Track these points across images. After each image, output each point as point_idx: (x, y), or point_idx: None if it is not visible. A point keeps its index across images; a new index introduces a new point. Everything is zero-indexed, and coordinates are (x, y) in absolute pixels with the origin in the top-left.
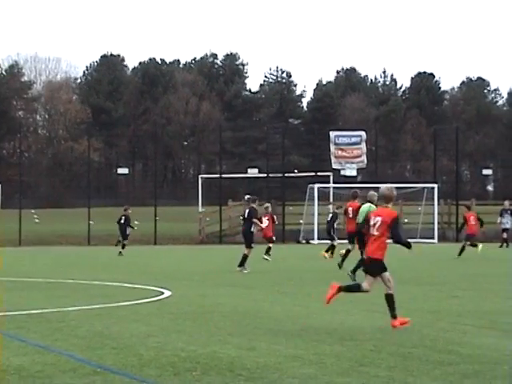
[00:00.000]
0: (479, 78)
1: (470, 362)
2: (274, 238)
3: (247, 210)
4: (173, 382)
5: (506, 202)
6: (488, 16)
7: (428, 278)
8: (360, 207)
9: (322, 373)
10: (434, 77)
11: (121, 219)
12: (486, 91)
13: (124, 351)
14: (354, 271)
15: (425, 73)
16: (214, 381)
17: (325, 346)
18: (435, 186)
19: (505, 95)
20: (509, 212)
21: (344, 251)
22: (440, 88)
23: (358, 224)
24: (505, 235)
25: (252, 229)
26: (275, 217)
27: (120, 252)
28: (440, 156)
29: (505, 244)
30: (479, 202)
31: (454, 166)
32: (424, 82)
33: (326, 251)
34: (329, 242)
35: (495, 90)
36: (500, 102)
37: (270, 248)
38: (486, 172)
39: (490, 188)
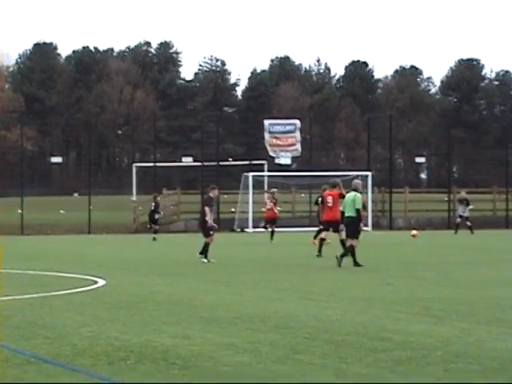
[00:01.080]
0: (412, 67)
1: (403, 349)
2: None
3: (204, 197)
4: (107, 372)
5: (462, 192)
6: (420, 4)
7: (360, 266)
8: (340, 196)
9: (257, 361)
10: (368, 65)
11: (151, 207)
12: (418, 79)
13: (57, 341)
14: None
15: (358, 61)
16: (148, 370)
17: (259, 333)
18: (369, 174)
19: (437, 83)
20: (464, 202)
21: (322, 238)
22: (373, 76)
23: (355, 211)
24: (468, 223)
25: (207, 218)
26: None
27: (154, 237)
28: (374, 144)
29: (467, 230)
30: (413, 190)
31: (387, 154)
32: (358, 70)
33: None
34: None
35: (428, 78)
36: (433, 91)
37: (272, 232)
38: (419, 160)
39: (423, 176)
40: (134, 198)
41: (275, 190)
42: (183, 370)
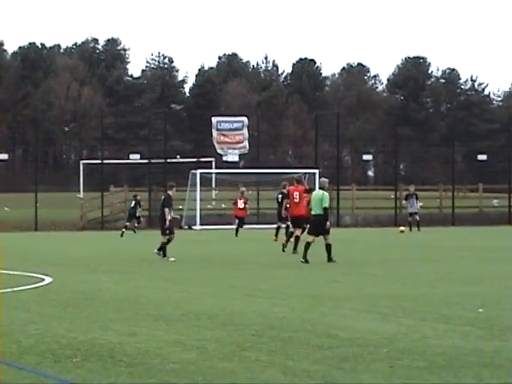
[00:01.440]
0: (359, 64)
1: (350, 346)
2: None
3: (162, 197)
4: (53, 369)
5: (411, 188)
6: (366, 2)
7: (307, 263)
8: (305, 191)
9: (203, 358)
10: (315, 63)
11: (132, 204)
12: (366, 77)
13: (3, 338)
14: (329, 258)
15: (306, 59)
16: (94, 367)
17: (206, 331)
18: (316, 171)
19: (384, 81)
20: (414, 196)
21: (297, 236)
22: (321, 74)
23: (323, 209)
24: (417, 217)
25: (166, 216)
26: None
27: (134, 231)
28: (321, 141)
29: (416, 228)
30: (360, 187)
31: (335, 152)
32: (305, 67)
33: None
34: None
35: (375, 76)
36: (380, 88)
37: (238, 229)
38: (366, 157)
39: (370, 173)
40: (80, 195)
41: (244, 189)
42: (130, 368)
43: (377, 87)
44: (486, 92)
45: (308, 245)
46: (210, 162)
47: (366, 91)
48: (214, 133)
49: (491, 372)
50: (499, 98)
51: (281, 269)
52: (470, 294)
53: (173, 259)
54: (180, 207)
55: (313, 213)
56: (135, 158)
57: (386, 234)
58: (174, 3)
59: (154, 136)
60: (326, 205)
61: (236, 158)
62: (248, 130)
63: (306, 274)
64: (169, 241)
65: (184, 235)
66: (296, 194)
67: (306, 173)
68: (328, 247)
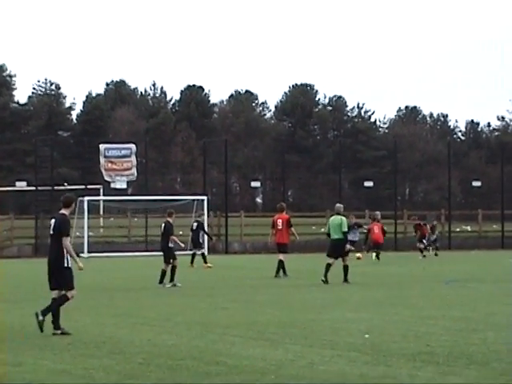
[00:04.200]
0: (247, 91)
1: (237, 373)
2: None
3: (163, 225)
4: None
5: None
6: (252, 28)
7: (196, 290)
8: (288, 220)
9: None
10: (204, 90)
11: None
12: (254, 104)
13: None
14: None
15: (194, 86)
16: None
17: (93, 359)
18: (205, 198)
19: (272, 108)
20: (355, 227)
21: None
22: (209, 101)
23: (342, 233)
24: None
25: (170, 244)
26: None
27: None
28: (210, 168)
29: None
30: (248, 214)
31: (223, 179)
32: (193, 94)
33: (205, 262)
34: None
35: (263, 103)
36: (268, 115)
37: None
38: (254, 184)
39: (258, 200)
40: None
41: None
42: None
43: (265, 114)
44: (372, 119)
45: (329, 266)
46: (98, 189)
47: (254, 118)
48: (102, 160)
49: None
50: (385, 126)
51: (169, 296)
52: (357, 319)
53: (179, 284)
54: (78, 234)
55: (333, 237)
56: (21, 185)
57: (274, 260)
58: (60, 29)
59: (41, 163)
60: (345, 229)
61: (124, 185)
62: (136, 157)
63: (193, 302)
64: (175, 266)
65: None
66: (279, 222)
67: (194, 200)
68: (345, 268)
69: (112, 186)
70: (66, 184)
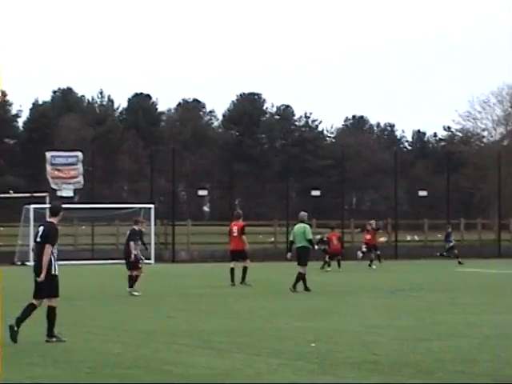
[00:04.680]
0: (195, 100)
1: (183, 382)
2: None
3: (128, 232)
4: None
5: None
6: (199, 37)
7: (142, 299)
8: (242, 227)
9: None
10: (151, 98)
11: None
12: (201, 113)
13: None
14: (294, 286)
15: (142, 94)
16: None
17: (38, 368)
18: (152, 206)
19: (220, 117)
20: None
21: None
22: (157, 109)
23: (307, 241)
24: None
25: (134, 251)
26: None
27: None
28: (157, 177)
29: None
30: (195, 223)
31: (170, 187)
32: (141, 102)
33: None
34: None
35: (211, 111)
36: (215, 124)
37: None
38: (201, 193)
39: (206, 208)
40: None
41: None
42: None
43: (212, 123)
44: (319, 128)
45: (303, 275)
46: (44, 197)
47: (202, 127)
48: (48, 167)
49: None
50: (332, 135)
51: (114, 305)
52: (304, 328)
53: (139, 293)
54: (20, 242)
55: (298, 245)
56: None
57: (221, 269)
58: (6, 35)
59: None
60: (310, 236)
61: (70, 193)
62: (83, 165)
63: (139, 310)
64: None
65: (16, 271)
66: (235, 229)
67: (141, 208)
68: (299, 276)
69: (58, 193)
70: (11, 191)
